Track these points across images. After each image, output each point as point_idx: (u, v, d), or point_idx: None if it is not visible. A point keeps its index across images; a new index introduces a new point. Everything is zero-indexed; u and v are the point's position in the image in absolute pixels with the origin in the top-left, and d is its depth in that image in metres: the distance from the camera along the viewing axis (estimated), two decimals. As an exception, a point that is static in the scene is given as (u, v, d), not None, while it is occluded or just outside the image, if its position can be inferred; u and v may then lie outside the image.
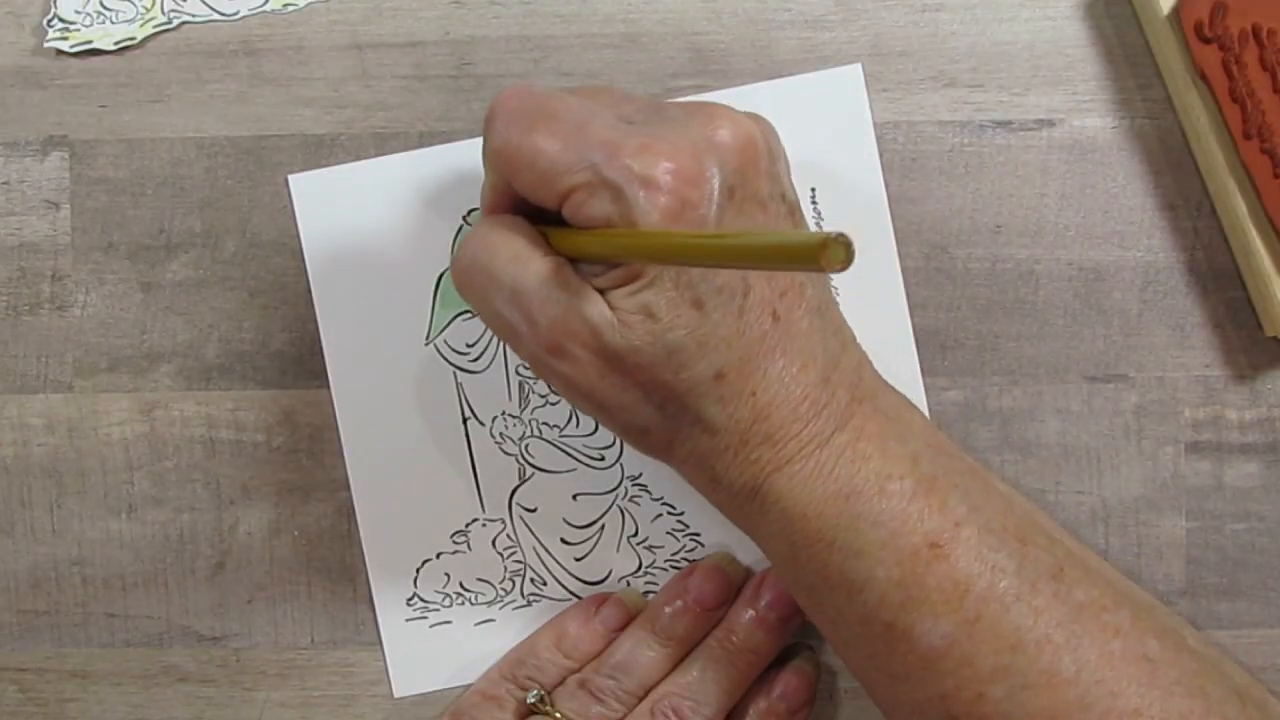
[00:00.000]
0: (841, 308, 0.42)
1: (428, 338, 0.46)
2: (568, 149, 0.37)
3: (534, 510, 0.47)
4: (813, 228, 0.45)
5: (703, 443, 0.39)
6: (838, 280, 0.46)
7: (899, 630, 0.38)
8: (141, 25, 0.46)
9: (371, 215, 0.46)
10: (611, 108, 0.39)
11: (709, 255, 0.33)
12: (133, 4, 0.46)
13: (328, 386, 0.46)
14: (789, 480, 0.38)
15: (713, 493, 0.40)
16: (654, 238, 0.35)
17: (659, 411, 0.38)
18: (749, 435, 0.38)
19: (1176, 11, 0.44)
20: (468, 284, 0.39)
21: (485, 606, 0.47)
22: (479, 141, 0.45)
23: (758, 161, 0.37)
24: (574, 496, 0.47)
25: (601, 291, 0.37)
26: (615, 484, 0.47)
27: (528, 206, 0.39)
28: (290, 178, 0.46)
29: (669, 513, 0.47)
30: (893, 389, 0.41)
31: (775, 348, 0.38)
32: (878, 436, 0.39)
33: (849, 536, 0.38)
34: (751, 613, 0.44)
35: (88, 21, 0.46)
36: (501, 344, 0.46)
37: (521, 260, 0.38)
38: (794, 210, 0.39)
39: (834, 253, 0.27)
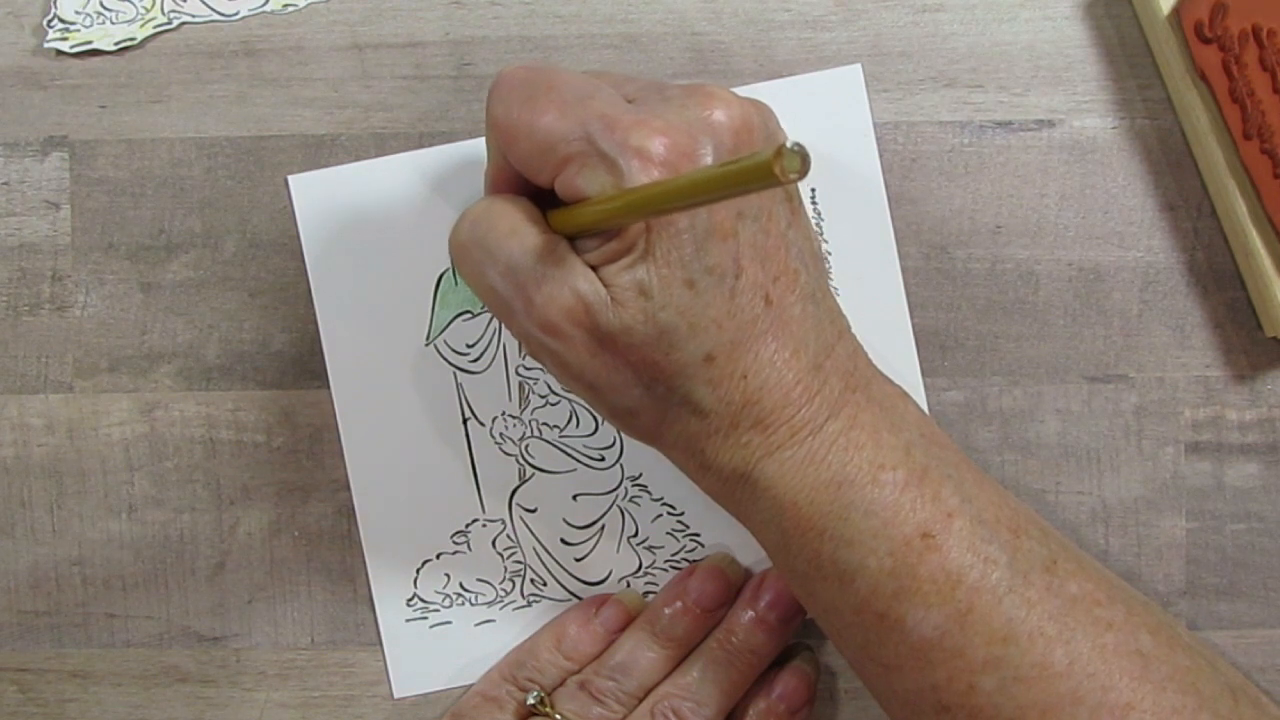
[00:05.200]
0: (842, 307, 0.42)
1: (428, 338, 0.46)
2: (565, 119, 0.37)
3: (534, 510, 0.47)
4: (813, 227, 0.45)
5: (692, 425, 0.39)
6: (838, 279, 0.46)
7: (891, 620, 0.38)
8: (141, 25, 0.46)
9: (371, 215, 0.46)
10: (613, 87, 0.39)
11: (679, 194, 0.33)
12: (133, 4, 0.46)
13: (328, 386, 0.46)
14: (780, 466, 0.38)
15: (702, 478, 0.40)
16: (631, 193, 0.35)
17: (648, 392, 0.38)
18: (739, 419, 0.38)
19: (1176, 11, 0.44)
20: (464, 258, 0.39)
21: (485, 607, 0.47)
22: (479, 141, 0.46)
23: (752, 144, 0.38)
24: (574, 497, 0.47)
25: (595, 268, 0.37)
26: (615, 484, 0.47)
27: (529, 188, 0.39)
28: (290, 178, 0.46)
29: (669, 513, 0.47)
30: (887, 379, 0.41)
31: (767, 332, 0.38)
32: (871, 425, 0.39)
33: (840, 525, 0.38)
34: (751, 614, 0.44)
35: (88, 22, 0.46)
36: (502, 344, 0.46)
37: (518, 235, 0.38)
38: (791, 197, 0.39)
39: (789, 162, 0.28)
